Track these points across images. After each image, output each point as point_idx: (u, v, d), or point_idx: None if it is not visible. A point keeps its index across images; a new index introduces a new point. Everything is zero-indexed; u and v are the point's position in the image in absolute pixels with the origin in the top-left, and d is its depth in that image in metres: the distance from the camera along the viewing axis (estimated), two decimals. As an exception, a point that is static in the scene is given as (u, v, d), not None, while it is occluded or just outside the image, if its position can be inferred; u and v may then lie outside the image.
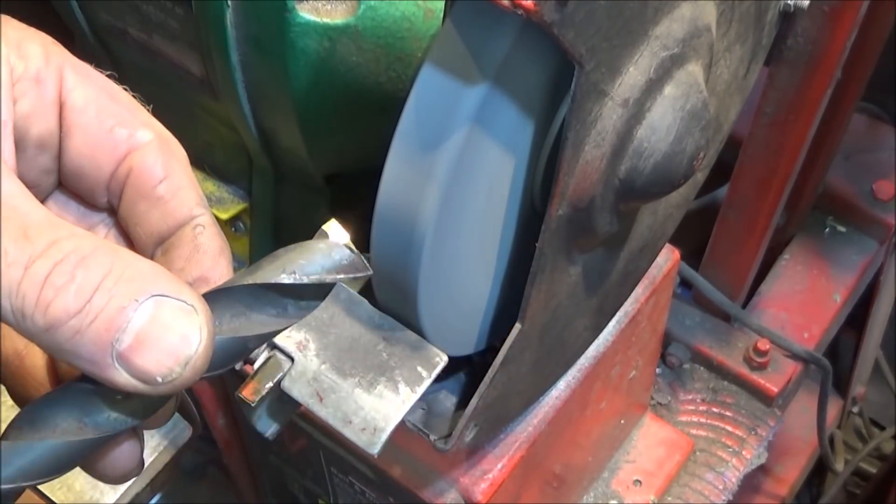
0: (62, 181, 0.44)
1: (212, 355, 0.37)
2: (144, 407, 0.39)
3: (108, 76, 0.44)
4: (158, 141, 0.43)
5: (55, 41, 0.43)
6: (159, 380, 0.36)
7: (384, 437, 0.56)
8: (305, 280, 0.40)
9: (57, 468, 0.38)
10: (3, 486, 0.37)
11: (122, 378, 0.36)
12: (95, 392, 0.38)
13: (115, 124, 0.42)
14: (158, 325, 0.36)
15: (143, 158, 0.42)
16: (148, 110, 0.45)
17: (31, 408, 0.38)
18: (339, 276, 0.41)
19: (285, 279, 0.40)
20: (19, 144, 0.40)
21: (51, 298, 0.35)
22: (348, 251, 0.42)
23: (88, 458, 0.39)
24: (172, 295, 0.37)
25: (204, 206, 0.44)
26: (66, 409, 0.38)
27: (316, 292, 0.41)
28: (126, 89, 0.45)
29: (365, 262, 0.42)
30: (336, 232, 0.45)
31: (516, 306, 0.59)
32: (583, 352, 0.75)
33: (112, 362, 0.36)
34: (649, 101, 0.54)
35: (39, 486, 0.96)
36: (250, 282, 0.40)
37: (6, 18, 0.42)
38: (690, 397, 1.13)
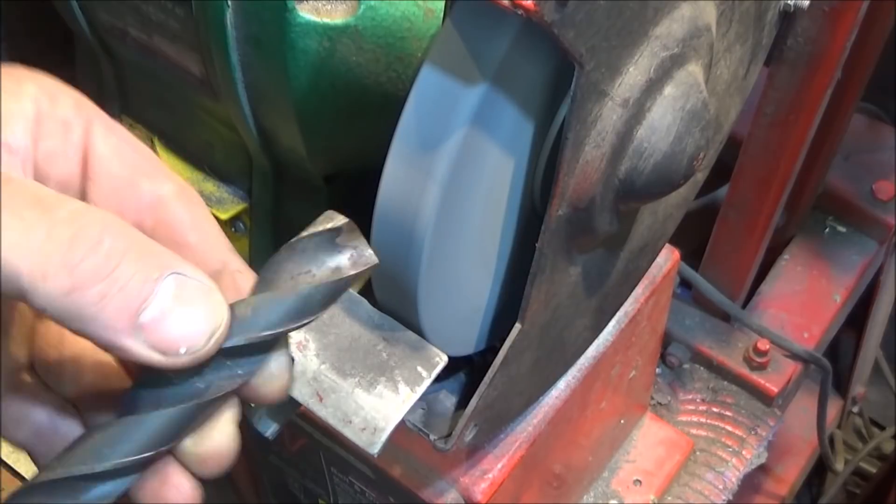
0: None
1: (246, 353, 0.39)
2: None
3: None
4: (181, 191, 0.44)
5: (88, 98, 0.44)
6: (182, 351, 0.37)
7: (384, 437, 0.56)
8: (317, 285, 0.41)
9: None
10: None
11: (139, 348, 0.36)
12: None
13: (139, 175, 0.43)
14: (183, 300, 0.37)
15: (170, 209, 0.43)
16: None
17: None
18: (350, 273, 0.42)
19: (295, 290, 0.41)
20: (41, 183, 0.40)
21: (78, 260, 0.34)
22: (353, 247, 0.42)
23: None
24: (191, 275, 0.38)
25: (233, 250, 0.45)
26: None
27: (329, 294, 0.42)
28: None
29: (372, 252, 0.42)
30: (339, 224, 0.44)
31: (516, 306, 0.59)
32: (583, 352, 0.75)
33: (132, 333, 0.36)
34: (649, 101, 0.54)
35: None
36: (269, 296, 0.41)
37: (41, 75, 0.43)
38: (690, 397, 1.13)
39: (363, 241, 0.43)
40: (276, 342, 0.42)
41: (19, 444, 0.45)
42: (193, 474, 0.43)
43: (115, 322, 0.36)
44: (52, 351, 0.45)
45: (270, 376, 0.43)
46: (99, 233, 0.36)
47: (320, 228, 0.43)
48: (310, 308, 0.42)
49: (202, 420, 0.41)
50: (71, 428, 0.45)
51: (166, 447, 0.40)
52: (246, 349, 0.40)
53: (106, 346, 0.37)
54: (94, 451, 0.38)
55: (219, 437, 0.42)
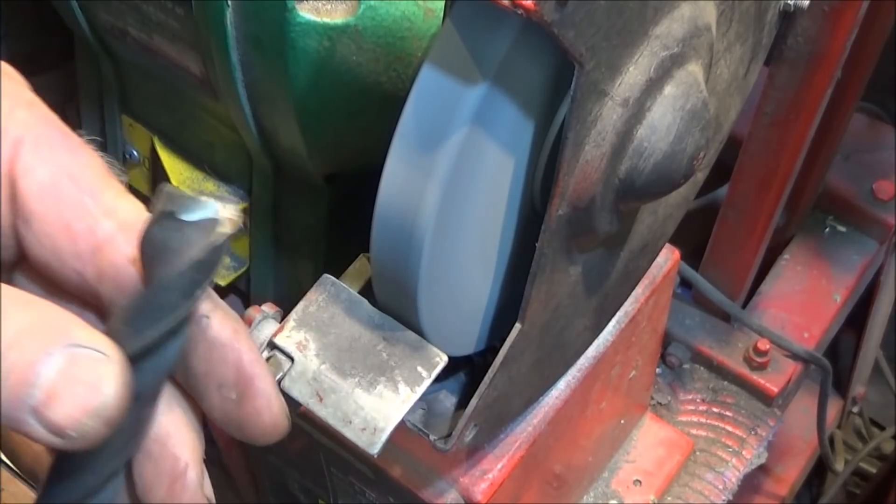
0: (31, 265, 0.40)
1: (128, 402, 0.35)
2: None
3: (88, 140, 0.40)
4: (124, 234, 0.38)
5: (32, 101, 0.39)
6: (74, 434, 0.34)
7: (384, 437, 0.56)
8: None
9: None
10: None
11: (40, 433, 0.34)
12: None
13: (73, 218, 0.38)
14: (66, 377, 0.34)
15: (114, 251, 0.38)
16: (122, 178, 0.41)
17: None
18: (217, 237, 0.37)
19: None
20: None
21: None
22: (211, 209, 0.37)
23: None
24: (86, 344, 0.35)
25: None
26: None
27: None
28: (109, 157, 0.40)
29: (233, 198, 0.38)
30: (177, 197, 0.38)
31: (516, 306, 0.59)
32: (583, 352, 0.75)
33: (27, 418, 0.34)
34: (649, 100, 0.54)
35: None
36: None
37: None
38: (690, 397, 1.13)
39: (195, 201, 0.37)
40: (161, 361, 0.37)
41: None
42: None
43: (12, 411, 0.34)
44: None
45: (253, 408, 0.41)
46: None
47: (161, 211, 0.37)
48: (197, 284, 0.37)
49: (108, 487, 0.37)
50: None
51: None
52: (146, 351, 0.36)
53: (17, 433, 0.35)
54: None
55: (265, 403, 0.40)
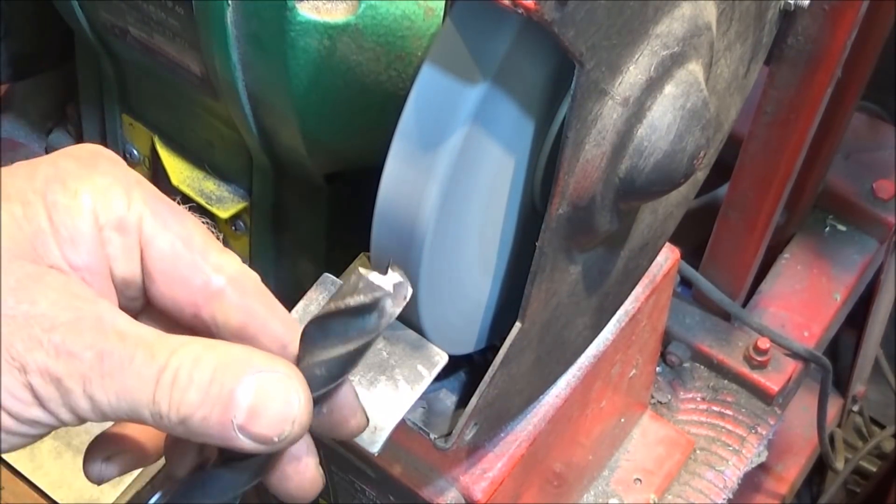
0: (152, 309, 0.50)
1: (312, 408, 0.45)
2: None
3: (187, 208, 0.50)
4: (231, 286, 0.48)
5: (139, 180, 0.48)
6: (276, 439, 0.44)
7: (385, 435, 0.56)
8: (351, 303, 0.45)
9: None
10: None
11: (247, 444, 0.44)
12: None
13: (190, 275, 0.48)
14: (263, 397, 0.44)
15: (223, 307, 0.48)
16: (219, 238, 0.50)
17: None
18: (380, 332, 0.46)
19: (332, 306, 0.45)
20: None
21: (179, 399, 0.43)
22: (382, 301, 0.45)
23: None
24: (267, 369, 0.44)
25: (288, 322, 0.49)
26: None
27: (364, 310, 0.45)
28: (207, 223, 0.51)
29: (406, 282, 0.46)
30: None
31: (516, 305, 0.59)
32: (583, 351, 0.75)
33: (236, 435, 0.43)
34: (650, 99, 0.54)
35: (40, 485, 0.96)
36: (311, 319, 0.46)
37: (97, 161, 0.47)
38: (690, 396, 1.13)
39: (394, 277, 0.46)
40: (334, 389, 0.48)
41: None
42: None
43: (221, 432, 0.43)
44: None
45: (342, 415, 0.50)
46: (189, 370, 0.43)
47: (356, 304, 0.46)
48: (359, 356, 0.46)
49: (271, 468, 0.48)
50: None
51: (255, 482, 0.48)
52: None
53: (224, 447, 0.45)
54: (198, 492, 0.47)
55: (309, 474, 0.50)
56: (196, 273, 0.48)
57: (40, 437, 0.44)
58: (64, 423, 0.44)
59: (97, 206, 0.46)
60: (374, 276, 0.45)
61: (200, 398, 0.43)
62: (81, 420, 0.44)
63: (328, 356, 0.46)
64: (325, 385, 0.47)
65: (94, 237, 0.46)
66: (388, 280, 0.45)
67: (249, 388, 0.43)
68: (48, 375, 0.42)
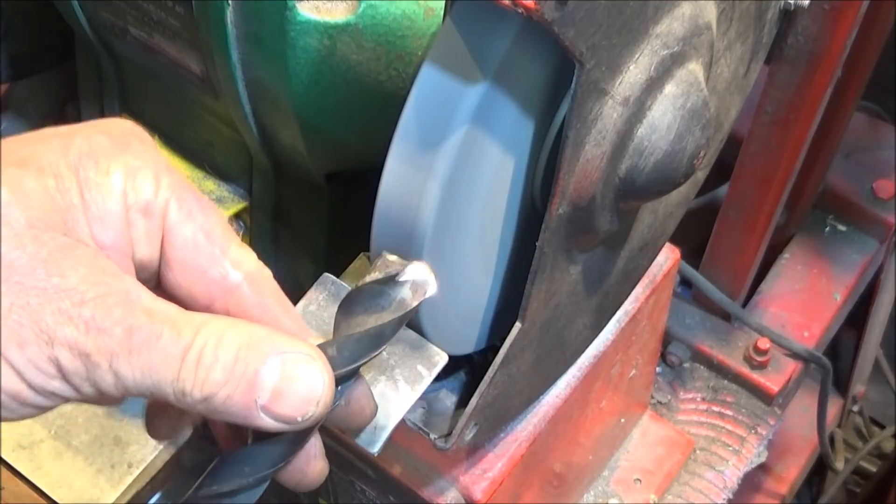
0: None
1: (335, 389, 0.46)
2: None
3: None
4: (248, 282, 0.48)
5: (168, 167, 0.48)
6: (300, 419, 0.45)
7: (385, 435, 0.56)
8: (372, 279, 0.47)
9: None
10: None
11: (269, 423, 0.44)
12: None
13: (208, 267, 0.48)
14: (288, 379, 0.44)
15: (238, 303, 0.48)
16: (239, 234, 0.51)
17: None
18: (413, 306, 0.48)
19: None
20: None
21: (203, 378, 0.43)
22: (412, 279, 0.48)
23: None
24: (291, 350, 0.45)
25: (301, 328, 0.50)
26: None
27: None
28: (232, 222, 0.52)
29: (428, 278, 0.48)
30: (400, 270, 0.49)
31: (517, 305, 0.59)
32: (583, 351, 0.75)
33: (259, 414, 0.44)
34: (650, 99, 0.54)
35: (40, 485, 0.96)
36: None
37: (129, 141, 0.47)
38: (690, 396, 1.13)
39: (422, 270, 0.49)
40: (355, 373, 0.49)
41: None
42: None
43: (243, 411, 0.44)
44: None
45: (359, 405, 0.51)
46: (214, 349, 0.43)
47: (382, 275, 0.48)
48: (383, 340, 0.48)
49: (304, 444, 0.48)
50: None
51: (279, 468, 0.48)
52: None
53: (245, 426, 0.46)
54: (223, 475, 0.47)
55: (314, 461, 0.50)
56: (214, 266, 0.48)
57: (52, 408, 0.44)
58: (81, 397, 0.44)
59: (127, 187, 0.46)
60: (393, 258, 0.47)
61: (225, 377, 0.43)
62: (100, 394, 0.43)
63: (351, 337, 0.47)
64: (347, 365, 0.47)
65: (122, 218, 0.46)
66: (411, 268, 0.47)
67: (274, 368, 0.44)
68: (77, 350, 0.42)
